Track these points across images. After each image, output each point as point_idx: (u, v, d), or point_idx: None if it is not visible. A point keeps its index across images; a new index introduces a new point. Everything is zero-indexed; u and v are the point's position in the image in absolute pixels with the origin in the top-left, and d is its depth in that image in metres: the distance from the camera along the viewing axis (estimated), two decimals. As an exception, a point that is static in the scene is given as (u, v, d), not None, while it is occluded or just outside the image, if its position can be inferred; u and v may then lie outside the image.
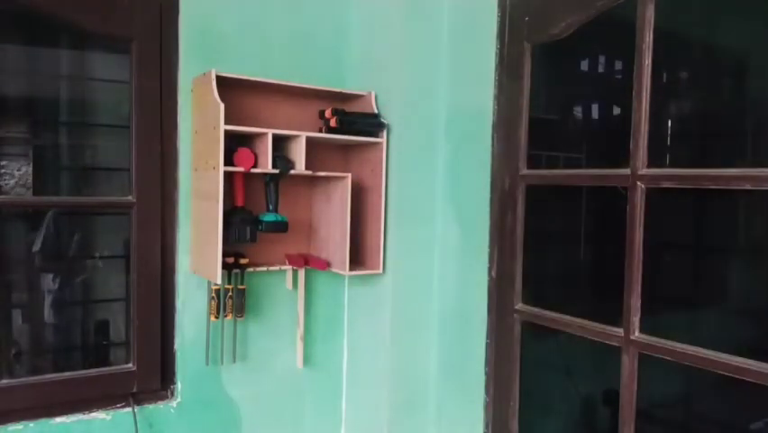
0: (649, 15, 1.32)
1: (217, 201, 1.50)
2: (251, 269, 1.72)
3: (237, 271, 1.69)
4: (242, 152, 1.60)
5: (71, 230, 2.26)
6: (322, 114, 1.77)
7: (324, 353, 1.97)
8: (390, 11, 1.83)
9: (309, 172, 1.67)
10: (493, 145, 1.69)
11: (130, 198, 1.66)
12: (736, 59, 2.02)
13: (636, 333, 1.34)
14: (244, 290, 1.72)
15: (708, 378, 1.29)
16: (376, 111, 1.81)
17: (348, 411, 2.01)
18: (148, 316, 1.68)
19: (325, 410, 1.99)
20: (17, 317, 2.13)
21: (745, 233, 1.88)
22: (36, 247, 2.05)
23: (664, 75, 2.14)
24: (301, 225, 1.88)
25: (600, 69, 2.70)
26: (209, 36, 1.72)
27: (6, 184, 2.07)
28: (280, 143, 1.68)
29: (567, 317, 1.52)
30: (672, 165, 1.31)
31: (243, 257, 1.70)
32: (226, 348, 1.76)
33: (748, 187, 1.17)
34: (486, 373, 1.72)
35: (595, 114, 2.75)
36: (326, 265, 1.80)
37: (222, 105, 1.50)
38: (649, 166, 1.33)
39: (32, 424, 1.55)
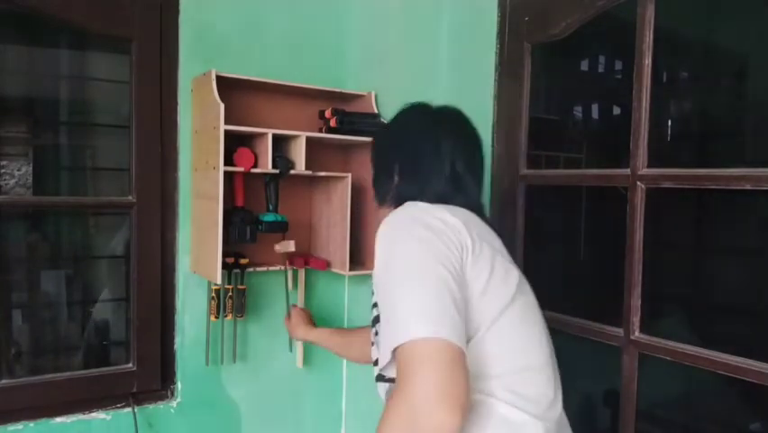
0: (649, 15, 1.32)
1: (217, 201, 1.50)
2: (251, 269, 1.72)
3: (237, 271, 1.70)
4: (242, 152, 1.60)
5: (71, 229, 2.26)
6: (322, 114, 1.77)
7: (324, 353, 1.97)
8: (390, 11, 1.83)
9: (309, 172, 1.67)
10: (493, 145, 1.69)
11: (130, 198, 1.66)
12: (736, 60, 2.02)
13: (636, 333, 1.34)
14: (244, 290, 1.72)
15: (709, 378, 1.29)
16: (376, 111, 1.81)
17: (348, 411, 2.01)
18: (148, 316, 1.68)
19: (325, 410, 1.99)
20: (17, 317, 2.12)
21: (745, 233, 1.88)
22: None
23: (664, 75, 2.14)
24: (301, 225, 1.88)
25: (600, 69, 2.70)
26: (209, 36, 1.72)
27: (6, 184, 2.07)
28: (280, 143, 1.68)
29: (567, 317, 1.52)
30: (672, 165, 1.31)
31: (243, 257, 1.70)
32: (226, 348, 1.76)
33: (748, 187, 1.17)
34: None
35: (595, 114, 2.75)
36: (326, 265, 1.80)
37: (222, 106, 1.50)
38: (649, 166, 1.33)
39: (32, 424, 1.55)
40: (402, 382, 0.79)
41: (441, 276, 0.85)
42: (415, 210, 0.96)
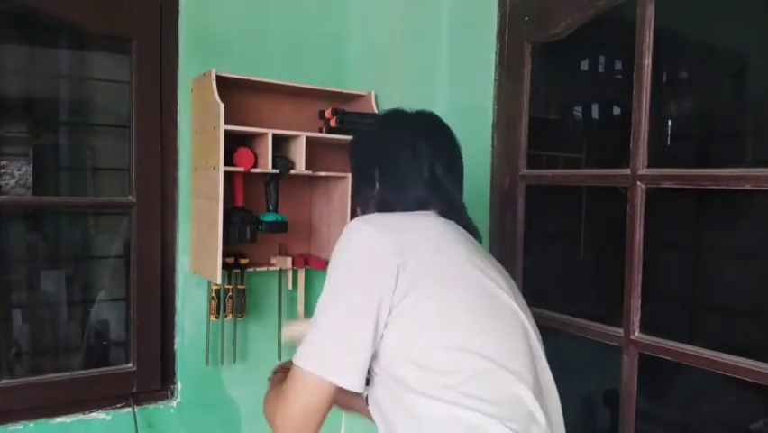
0: (649, 15, 1.32)
1: (217, 201, 1.50)
2: (251, 269, 1.72)
3: (237, 271, 1.70)
4: (242, 152, 1.60)
5: (71, 229, 2.26)
6: (322, 114, 1.77)
7: (324, 353, 1.97)
8: (390, 11, 1.83)
9: (309, 172, 1.67)
10: (493, 145, 1.69)
11: (130, 198, 1.66)
12: (736, 60, 2.02)
13: (636, 333, 1.34)
14: (244, 290, 1.72)
15: (709, 378, 1.29)
16: (376, 111, 1.81)
17: (348, 411, 2.00)
18: (148, 316, 1.68)
19: (325, 410, 1.99)
20: (17, 317, 2.13)
21: (745, 233, 1.88)
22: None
23: (664, 75, 2.14)
24: (301, 225, 1.88)
25: (600, 69, 2.70)
26: (209, 36, 1.72)
27: (6, 184, 2.07)
28: (280, 143, 1.68)
29: (567, 317, 1.52)
30: (672, 165, 1.31)
31: (243, 257, 1.70)
32: (226, 348, 1.76)
33: (748, 187, 1.17)
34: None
35: (595, 114, 2.75)
36: (326, 265, 1.79)
37: (222, 106, 1.50)
38: (649, 166, 1.33)
39: (32, 424, 1.55)
40: (282, 394, 0.93)
41: (353, 306, 0.91)
42: (359, 229, 0.98)
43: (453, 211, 1.07)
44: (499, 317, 0.98)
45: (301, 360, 0.91)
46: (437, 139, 1.11)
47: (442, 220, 1.04)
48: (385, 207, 1.07)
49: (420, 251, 0.95)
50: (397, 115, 1.16)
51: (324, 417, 0.93)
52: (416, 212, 1.05)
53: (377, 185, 1.11)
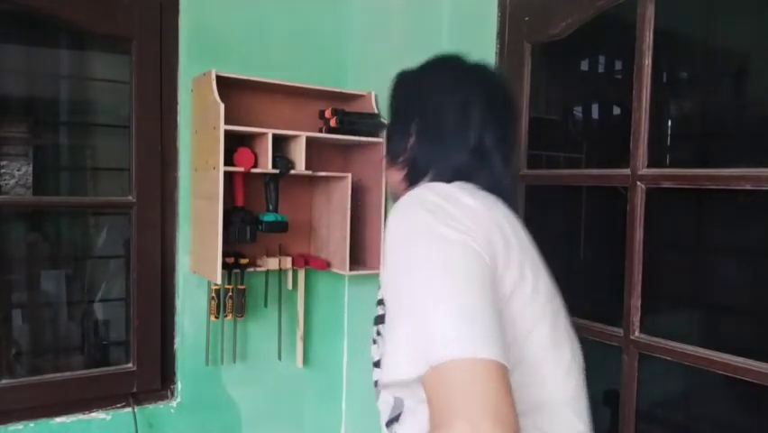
0: (649, 15, 1.32)
1: (217, 201, 1.50)
2: (251, 269, 1.72)
3: (237, 271, 1.70)
4: (242, 152, 1.60)
5: (71, 229, 2.26)
6: (322, 114, 1.77)
7: (324, 353, 1.97)
8: (390, 11, 1.83)
9: (309, 172, 1.67)
10: (493, 145, 1.69)
11: (130, 198, 1.66)
12: (736, 60, 2.02)
13: (636, 333, 1.34)
14: (244, 290, 1.72)
15: (709, 378, 1.29)
16: (376, 111, 1.81)
17: (348, 411, 2.01)
18: (148, 316, 1.68)
19: (325, 410, 1.99)
20: (17, 317, 2.12)
21: (745, 233, 1.88)
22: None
23: (664, 75, 2.14)
24: (301, 225, 1.88)
25: (600, 69, 2.70)
26: (209, 36, 1.72)
27: (6, 184, 2.07)
28: (280, 143, 1.68)
29: (567, 317, 1.52)
30: (672, 165, 1.31)
31: (243, 257, 1.70)
32: (226, 348, 1.76)
33: (748, 187, 1.17)
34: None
35: (595, 114, 2.74)
36: (326, 265, 1.80)
37: (222, 106, 1.50)
38: (649, 166, 1.33)
39: (32, 424, 1.55)
40: (454, 405, 0.63)
41: (476, 276, 0.70)
42: (435, 198, 0.77)
43: (495, 191, 0.89)
44: (562, 329, 0.85)
45: (451, 349, 0.64)
46: (495, 103, 0.92)
47: (493, 197, 0.86)
48: (417, 166, 0.91)
49: (510, 233, 0.80)
50: (453, 63, 0.98)
51: (516, 411, 0.64)
52: (462, 183, 0.85)
53: (412, 138, 0.93)
